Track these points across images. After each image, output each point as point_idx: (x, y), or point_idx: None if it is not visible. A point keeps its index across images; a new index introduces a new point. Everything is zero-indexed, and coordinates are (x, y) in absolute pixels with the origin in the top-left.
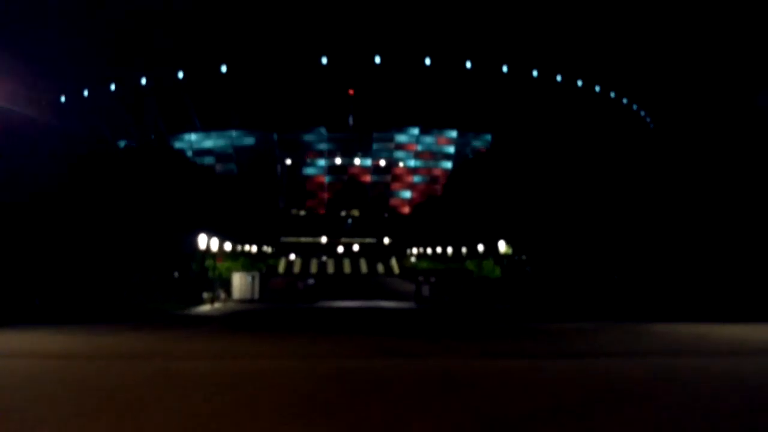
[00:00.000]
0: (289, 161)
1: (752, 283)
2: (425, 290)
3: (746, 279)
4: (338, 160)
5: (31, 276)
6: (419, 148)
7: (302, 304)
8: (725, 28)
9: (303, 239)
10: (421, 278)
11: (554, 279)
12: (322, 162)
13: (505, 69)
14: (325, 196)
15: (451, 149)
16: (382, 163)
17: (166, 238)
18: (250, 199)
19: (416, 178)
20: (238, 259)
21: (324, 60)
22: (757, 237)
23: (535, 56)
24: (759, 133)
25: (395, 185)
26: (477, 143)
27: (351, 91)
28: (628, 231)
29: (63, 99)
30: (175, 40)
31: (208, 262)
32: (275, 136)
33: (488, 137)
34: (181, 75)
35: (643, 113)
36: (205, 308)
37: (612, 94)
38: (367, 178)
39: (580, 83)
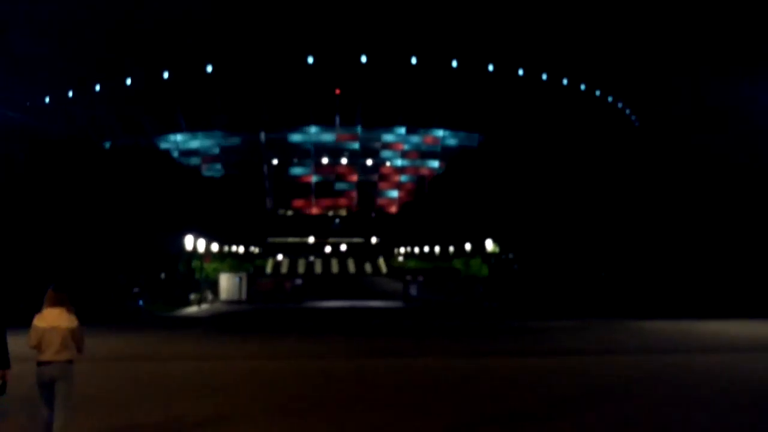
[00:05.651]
0: (275, 161)
1: (734, 280)
2: (413, 289)
3: (728, 276)
4: (325, 160)
5: (15, 279)
6: (406, 147)
7: (290, 304)
8: (708, 27)
9: (290, 239)
10: (408, 277)
11: (542, 277)
12: (308, 162)
13: (491, 68)
14: (312, 196)
15: (438, 148)
16: (369, 162)
17: (152, 239)
18: (236, 199)
19: (403, 178)
20: (225, 259)
21: (310, 59)
22: (739, 235)
23: (521, 55)
24: (741, 132)
25: (382, 184)
26: (464, 142)
27: (338, 91)
28: (615, 228)
29: (47, 100)
30: (161, 40)
31: (195, 263)
32: (262, 136)
33: (475, 136)
34: (166, 75)
35: (628, 111)
36: (192, 310)
37: (597, 93)
38: (354, 178)
39: (565, 82)
